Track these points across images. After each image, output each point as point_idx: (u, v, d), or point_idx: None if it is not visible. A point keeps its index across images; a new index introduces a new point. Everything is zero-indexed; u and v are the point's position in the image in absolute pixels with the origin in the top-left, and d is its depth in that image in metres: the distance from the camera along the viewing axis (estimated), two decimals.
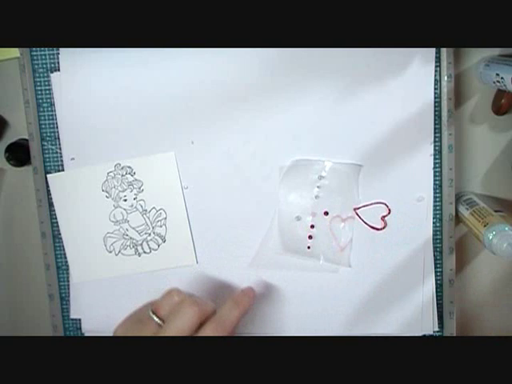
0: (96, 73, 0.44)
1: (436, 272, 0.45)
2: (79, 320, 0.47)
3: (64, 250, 0.46)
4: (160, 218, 0.45)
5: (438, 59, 0.43)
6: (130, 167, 0.45)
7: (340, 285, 0.45)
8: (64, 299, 0.47)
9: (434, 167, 0.44)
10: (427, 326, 0.45)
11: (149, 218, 0.45)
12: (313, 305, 0.45)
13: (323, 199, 0.44)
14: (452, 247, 0.45)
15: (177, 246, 0.46)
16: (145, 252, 0.46)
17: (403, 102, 0.43)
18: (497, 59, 0.43)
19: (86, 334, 0.47)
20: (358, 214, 0.44)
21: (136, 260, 0.46)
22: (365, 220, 0.44)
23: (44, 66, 0.44)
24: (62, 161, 0.45)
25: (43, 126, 0.45)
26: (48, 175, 0.45)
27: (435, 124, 0.43)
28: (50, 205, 0.46)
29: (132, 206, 0.45)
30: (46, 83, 0.45)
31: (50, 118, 0.45)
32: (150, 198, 0.45)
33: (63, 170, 0.45)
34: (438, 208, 0.45)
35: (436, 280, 0.45)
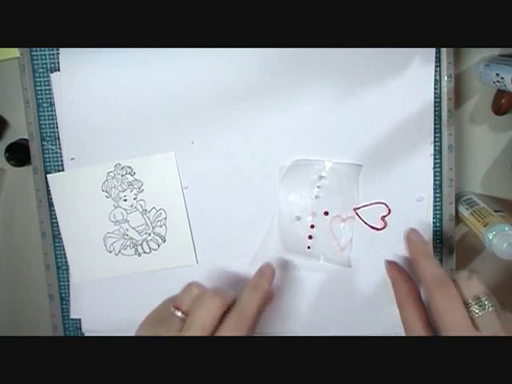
0: (96, 73, 0.44)
1: None
2: (79, 320, 0.47)
3: (64, 249, 0.46)
4: (160, 218, 0.45)
5: (438, 59, 0.43)
6: (130, 167, 0.45)
7: (340, 285, 0.45)
8: (64, 299, 0.47)
9: (434, 167, 0.44)
10: None
11: (149, 218, 0.45)
12: (312, 305, 0.45)
13: (323, 199, 0.44)
14: (452, 247, 0.45)
15: (177, 246, 0.46)
16: (145, 252, 0.46)
17: (403, 102, 0.43)
18: (497, 59, 0.43)
19: (86, 334, 0.47)
20: (358, 214, 0.44)
21: (136, 260, 0.46)
22: (365, 220, 0.44)
23: (44, 66, 0.44)
24: (62, 161, 0.45)
25: (43, 126, 0.45)
26: (48, 175, 0.45)
27: (435, 124, 0.43)
28: (50, 205, 0.46)
29: (132, 205, 0.45)
30: (46, 83, 0.45)
31: (50, 118, 0.45)
32: (150, 197, 0.45)
33: (63, 169, 0.45)
34: (438, 208, 0.45)
35: None
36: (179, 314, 0.36)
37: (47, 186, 0.46)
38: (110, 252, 0.46)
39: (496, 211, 0.43)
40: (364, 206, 0.44)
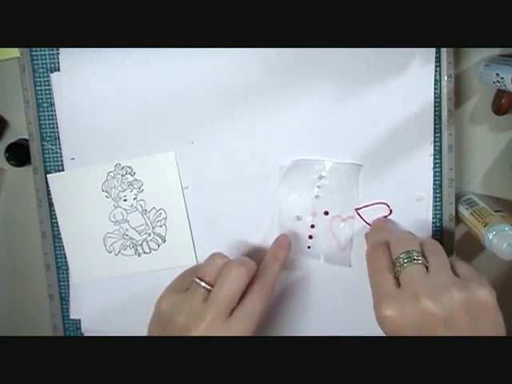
0: (96, 73, 0.44)
1: None
2: (79, 320, 0.47)
3: (64, 250, 0.46)
4: (160, 218, 0.45)
5: (438, 59, 0.43)
6: (130, 167, 0.45)
7: (340, 285, 0.45)
8: (64, 299, 0.47)
9: (434, 167, 0.44)
10: None
11: (149, 218, 0.45)
12: (312, 304, 0.45)
13: (323, 199, 0.44)
14: (452, 247, 0.45)
15: (177, 246, 0.45)
16: (145, 252, 0.46)
17: (403, 102, 0.43)
18: (497, 59, 0.43)
19: (86, 334, 0.47)
20: (359, 214, 0.44)
21: (136, 260, 0.46)
22: (366, 220, 0.44)
23: (44, 66, 0.44)
24: (62, 161, 0.45)
25: (43, 126, 0.45)
26: (48, 175, 0.45)
27: (435, 124, 0.43)
28: (50, 205, 0.46)
29: (132, 205, 0.45)
30: (46, 83, 0.45)
31: (50, 118, 0.45)
32: (150, 197, 0.45)
33: (63, 169, 0.45)
34: (438, 208, 0.45)
35: None
36: (203, 284, 0.37)
37: (47, 186, 0.46)
38: (110, 252, 0.46)
39: (496, 211, 0.43)
40: (365, 207, 0.44)
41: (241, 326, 0.36)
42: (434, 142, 0.44)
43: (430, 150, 0.44)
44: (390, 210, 0.44)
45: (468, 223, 0.44)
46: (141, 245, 0.46)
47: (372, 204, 0.44)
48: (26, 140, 0.46)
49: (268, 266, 0.40)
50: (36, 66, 0.44)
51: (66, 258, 0.46)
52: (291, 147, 0.44)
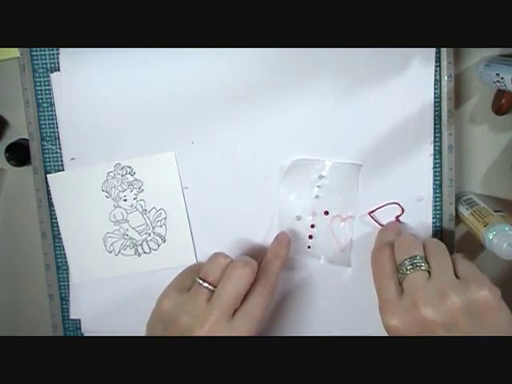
0: (96, 73, 0.44)
1: None
2: (79, 320, 0.47)
3: (64, 249, 0.46)
4: (160, 218, 0.45)
5: (438, 59, 0.43)
6: (130, 167, 0.45)
7: (340, 285, 0.45)
8: (64, 299, 0.47)
9: (434, 167, 0.44)
10: None
11: (149, 218, 0.45)
12: (312, 304, 0.45)
13: (323, 199, 0.44)
14: (452, 247, 0.45)
15: (177, 246, 0.45)
16: (145, 252, 0.46)
17: (403, 102, 0.43)
18: (497, 59, 0.43)
19: (86, 334, 0.47)
20: (373, 218, 0.44)
21: (136, 260, 0.46)
22: (380, 222, 0.44)
23: (44, 66, 0.44)
24: (62, 161, 0.45)
25: (43, 126, 0.45)
26: (48, 175, 0.45)
27: (435, 124, 0.43)
28: (50, 205, 0.46)
29: (132, 205, 0.45)
30: (46, 83, 0.45)
31: (50, 118, 0.45)
32: (149, 197, 0.45)
33: (63, 169, 0.45)
34: (438, 208, 0.45)
35: None
36: (206, 284, 0.37)
37: (47, 186, 0.46)
38: (110, 252, 0.46)
39: (496, 211, 0.43)
40: (378, 209, 0.44)
41: (244, 326, 0.36)
42: (434, 141, 0.44)
43: (430, 149, 0.44)
44: (402, 209, 0.44)
45: (468, 223, 0.44)
46: (141, 245, 0.46)
47: (384, 205, 0.44)
48: (26, 140, 0.46)
49: (270, 265, 0.40)
50: (36, 66, 0.44)
51: (65, 258, 0.46)
52: (291, 147, 0.44)
